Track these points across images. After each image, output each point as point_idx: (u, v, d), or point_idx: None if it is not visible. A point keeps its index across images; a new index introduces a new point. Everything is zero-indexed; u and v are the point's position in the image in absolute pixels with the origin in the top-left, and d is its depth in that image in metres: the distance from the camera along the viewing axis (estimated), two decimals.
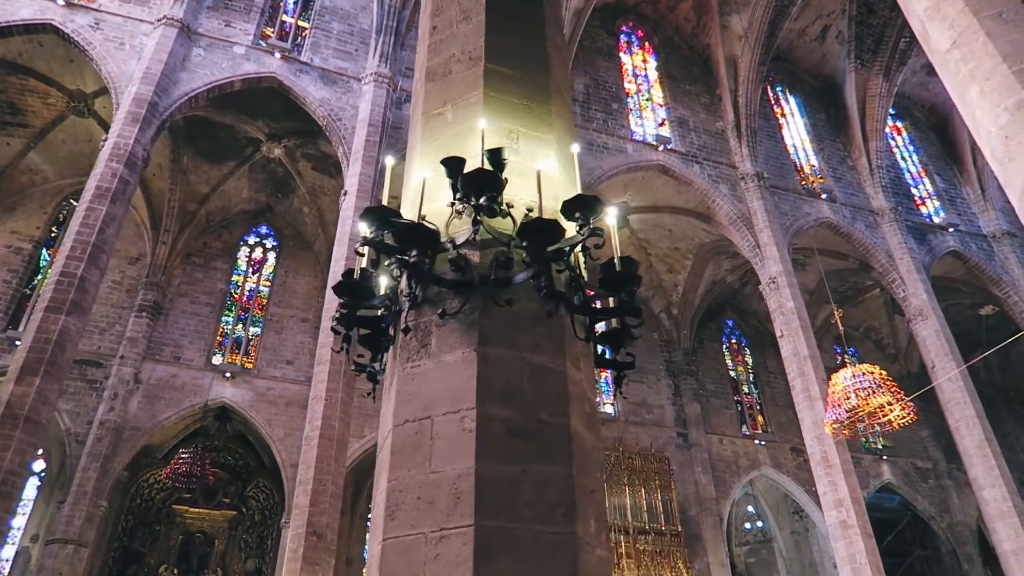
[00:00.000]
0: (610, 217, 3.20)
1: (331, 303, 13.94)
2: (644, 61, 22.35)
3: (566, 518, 2.35)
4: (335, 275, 14.23)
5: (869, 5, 22.16)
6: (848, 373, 10.51)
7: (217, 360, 18.13)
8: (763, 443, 21.98)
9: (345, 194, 15.34)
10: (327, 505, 11.80)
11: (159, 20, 15.89)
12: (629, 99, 21.00)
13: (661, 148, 19.62)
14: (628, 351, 3.09)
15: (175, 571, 17.37)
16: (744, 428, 22.44)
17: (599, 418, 2.99)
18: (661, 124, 20.88)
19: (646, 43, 22.74)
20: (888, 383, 10.28)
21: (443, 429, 2.50)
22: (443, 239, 2.81)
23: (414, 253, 2.59)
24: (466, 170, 2.74)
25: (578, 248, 2.97)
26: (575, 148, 3.20)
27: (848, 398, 10.18)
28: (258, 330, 19.01)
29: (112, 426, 16.19)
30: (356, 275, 2.85)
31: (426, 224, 2.79)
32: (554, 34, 3.90)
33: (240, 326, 18.99)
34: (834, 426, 10.77)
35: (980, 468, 16.96)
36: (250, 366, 18.34)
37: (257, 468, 19.11)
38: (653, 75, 22.11)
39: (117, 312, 17.83)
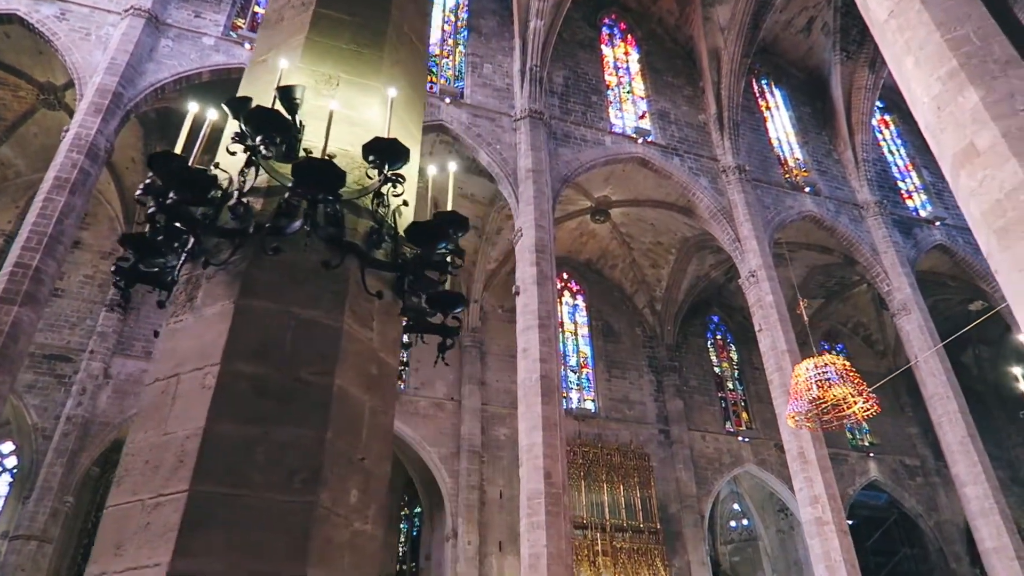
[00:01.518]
0: (432, 168, 2.95)
1: None
2: (626, 53, 22.09)
3: (306, 486, 2.12)
4: None
5: None
6: (811, 364, 10.23)
7: None
8: (747, 440, 21.69)
9: None
10: None
11: (126, 11, 15.71)
12: (609, 91, 20.75)
13: (640, 140, 19.36)
14: (456, 315, 2.85)
15: None
16: (728, 425, 22.15)
17: (394, 383, 2.73)
18: (642, 117, 20.62)
19: (628, 35, 22.49)
20: (851, 374, 10.00)
21: (186, 387, 2.27)
22: (234, 187, 2.58)
23: (171, 196, 2.36)
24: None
25: (399, 201, 2.72)
26: (391, 92, 2.95)
27: (810, 389, 9.91)
28: None
29: (80, 421, 15.99)
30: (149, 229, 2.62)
31: (201, 168, 2.56)
32: None
33: None
34: (795, 418, 10.50)
35: (962, 464, 16.66)
36: None
37: None
38: (635, 67, 21.85)
39: (88, 307, 17.67)
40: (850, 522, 22.25)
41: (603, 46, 21.80)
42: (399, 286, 2.71)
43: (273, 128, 2.50)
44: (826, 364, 10.03)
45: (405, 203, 2.83)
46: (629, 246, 22.56)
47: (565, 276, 23.07)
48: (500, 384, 19.76)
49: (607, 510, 18.24)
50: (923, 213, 22.36)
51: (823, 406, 10.13)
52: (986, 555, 16.00)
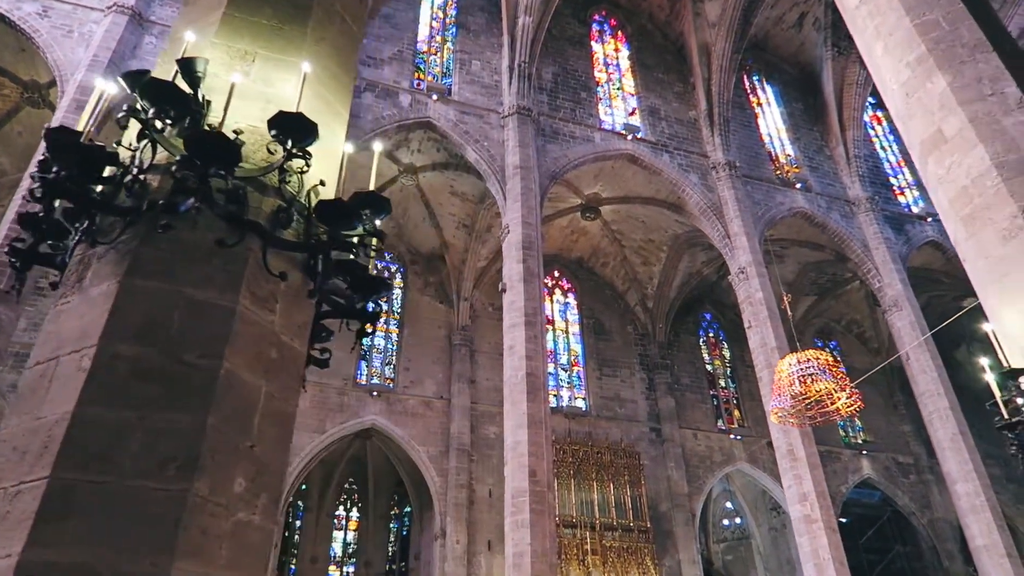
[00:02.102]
0: (348, 147, 2.82)
1: None
2: (616, 50, 21.98)
3: (181, 473, 2.01)
4: None
5: None
6: (793, 359, 10.12)
7: None
8: (739, 438, 21.57)
9: None
10: None
11: (109, 7, 15.61)
12: (599, 88, 20.65)
13: (630, 137, 19.25)
14: (378, 301, 2.74)
15: None
16: (720, 423, 22.03)
17: (298, 368, 2.61)
18: (631, 113, 20.52)
19: (619, 32, 22.38)
20: (833, 369, 9.89)
21: (63, 370, 2.16)
22: (133, 164, 2.47)
23: (55, 170, 2.25)
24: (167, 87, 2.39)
25: (313, 181, 2.60)
26: (305, 67, 2.83)
27: (792, 384, 9.81)
28: None
29: None
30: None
31: (98, 145, 2.44)
32: None
33: None
34: (779, 414, 10.39)
35: (953, 462, 16.57)
36: None
37: None
38: (625, 64, 21.75)
39: None
40: (843, 520, 22.22)
41: (593, 42, 21.70)
42: (311, 267, 2.60)
43: (170, 101, 2.39)
44: (808, 359, 9.92)
45: (322, 182, 2.72)
46: (620, 243, 22.45)
47: (556, 274, 22.98)
48: (490, 382, 19.63)
49: (597, 509, 18.13)
50: (915, 209, 22.25)
51: (807, 401, 10.02)
52: (976, 552, 15.90)
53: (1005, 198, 4.50)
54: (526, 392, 13.73)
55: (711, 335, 24.20)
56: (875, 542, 21.96)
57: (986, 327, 4.98)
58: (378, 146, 2.97)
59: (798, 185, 20.69)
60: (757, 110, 22.73)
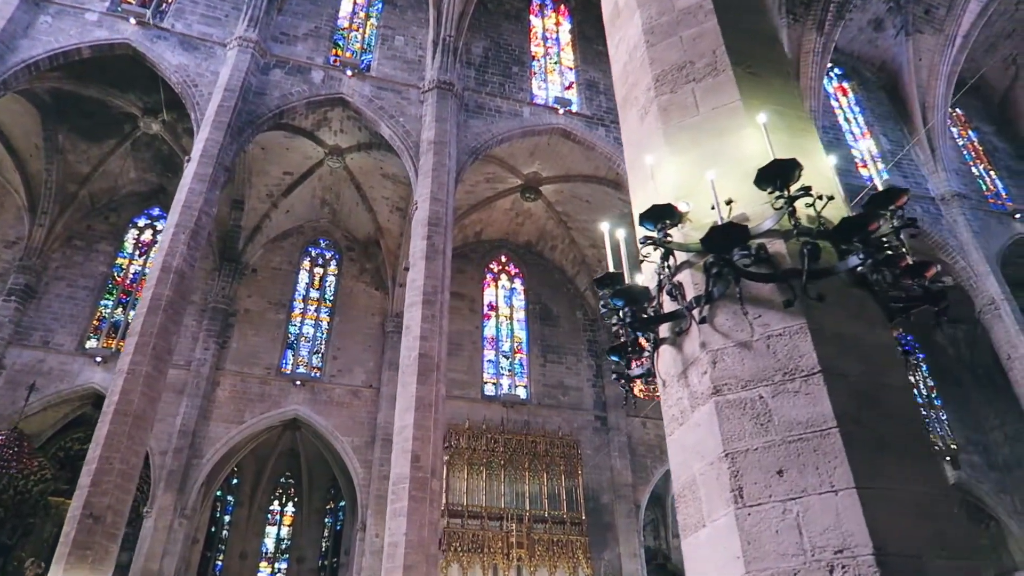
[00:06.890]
0: None
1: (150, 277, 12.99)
2: (557, 24, 21.10)
3: None
4: (162, 245, 13.29)
5: None
6: None
7: (92, 344, 17.32)
8: None
9: (188, 160, 14.40)
10: (112, 486, 10.82)
11: None
12: (535, 63, 19.78)
13: (562, 111, 18.35)
14: None
15: (43, 565, 16.58)
16: None
17: None
18: (568, 87, 19.61)
19: (561, 5, 21.47)
20: None
21: None
22: None
23: None
24: None
25: None
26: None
27: None
28: None
29: None
30: None
31: None
32: None
33: (120, 310, 18.16)
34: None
35: None
36: None
37: None
38: (565, 38, 20.85)
39: None
40: None
41: (532, 16, 20.84)
42: None
43: None
44: None
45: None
46: (567, 225, 21.53)
47: (503, 259, 22.17)
48: None
49: (528, 501, 17.23)
50: (878, 182, 20.94)
51: None
52: None
53: (646, 69, 3.62)
54: (417, 373, 12.94)
55: None
56: None
57: (603, 227, 4.08)
58: None
59: None
60: None
